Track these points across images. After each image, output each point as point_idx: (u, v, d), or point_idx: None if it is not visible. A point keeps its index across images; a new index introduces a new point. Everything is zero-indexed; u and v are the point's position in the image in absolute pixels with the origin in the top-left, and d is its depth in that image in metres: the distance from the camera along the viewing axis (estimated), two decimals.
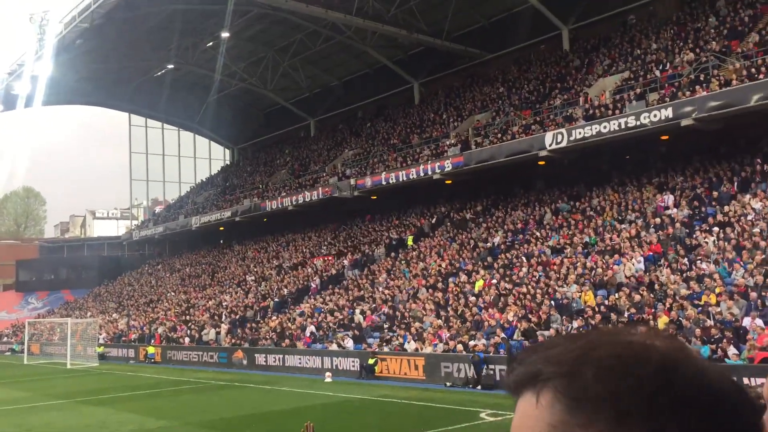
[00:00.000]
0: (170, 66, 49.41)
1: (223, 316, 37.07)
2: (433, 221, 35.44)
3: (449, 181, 33.48)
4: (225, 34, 42.07)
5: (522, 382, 0.70)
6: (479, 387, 20.44)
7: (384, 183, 35.36)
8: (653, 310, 19.49)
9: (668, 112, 24.15)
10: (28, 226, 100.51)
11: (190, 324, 38.05)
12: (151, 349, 36.50)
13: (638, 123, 24.90)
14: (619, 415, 0.63)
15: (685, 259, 21.31)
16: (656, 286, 20.72)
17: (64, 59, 43.60)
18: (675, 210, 24.29)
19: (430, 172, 32.83)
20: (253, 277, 41.83)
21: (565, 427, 0.65)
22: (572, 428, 0.65)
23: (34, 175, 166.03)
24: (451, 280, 27.85)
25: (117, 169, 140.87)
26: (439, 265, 29.70)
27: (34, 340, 46.89)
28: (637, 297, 20.22)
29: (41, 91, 47.11)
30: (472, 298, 25.38)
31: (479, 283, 26.22)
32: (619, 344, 0.67)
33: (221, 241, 53.06)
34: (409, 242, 34.39)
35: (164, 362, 35.31)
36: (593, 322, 19.81)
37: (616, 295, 20.97)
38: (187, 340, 36.09)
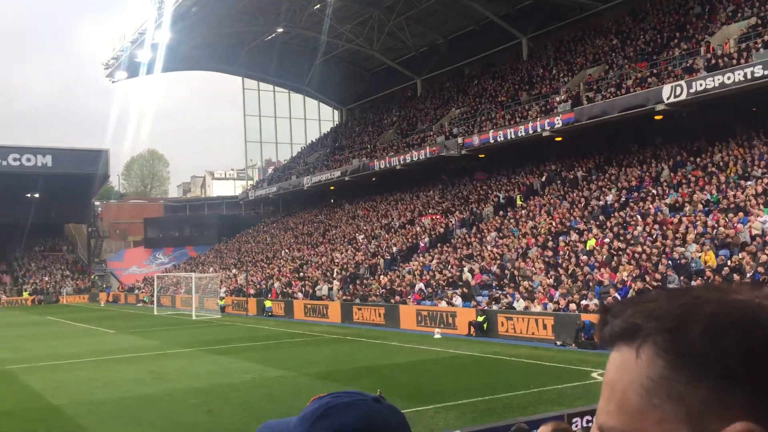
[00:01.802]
0: (280, 30, 50.49)
1: (335, 273, 38.24)
2: (543, 179, 34.81)
3: (559, 138, 32.68)
4: None
5: (619, 335, 0.70)
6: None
7: (492, 141, 34.98)
8: None
9: None
10: (153, 186, 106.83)
11: (305, 280, 39.52)
12: (268, 303, 38.25)
13: (766, 72, 23.29)
14: (727, 375, 0.63)
15: None
16: None
17: (180, 27, 45.47)
18: None
19: (539, 130, 32.16)
20: (363, 236, 42.76)
21: (667, 383, 0.65)
22: (674, 385, 0.65)
23: (157, 138, 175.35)
24: (561, 238, 27.42)
25: (233, 131, 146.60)
26: (549, 224, 29.26)
27: (163, 293, 50.18)
28: (764, 257, 19.21)
29: (161, 58, 49.43)
30: (584, 257, 24.91)
31: (591, 242, 25.68)
32: (726, 302, 0.67)
33: (332, 201, 54.40)
34: (518, 201, 34.00)
35: (281, 315, 36.94)
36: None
37: (740, 255, 20.00)
38: (300, 295, 37.55)
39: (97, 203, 72.47)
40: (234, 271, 50.04)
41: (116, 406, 14.12)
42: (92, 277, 65.83)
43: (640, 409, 0.66)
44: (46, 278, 63.46)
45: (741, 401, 0.63)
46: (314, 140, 64.35)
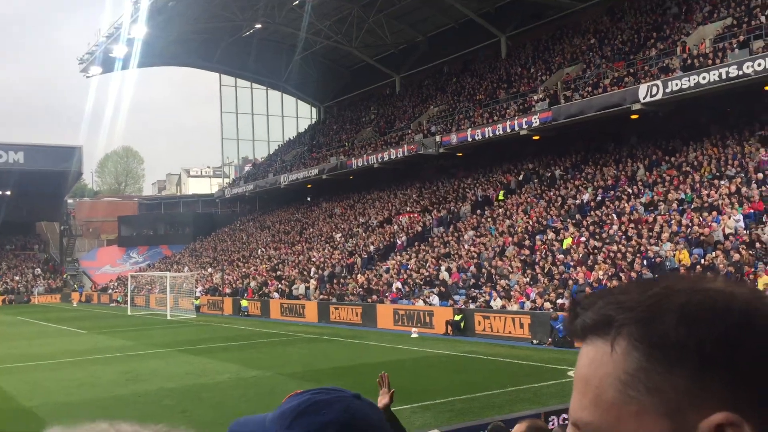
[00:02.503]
0: (258, 26, 50.14)
1: (312, 272, 38.04)
2: (520, 178, 34.92)
3: (537, 137, 32.80)
4: None
5: (591, 327, 0.69)
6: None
7: (470, 139, 35.02)
8: (753, 270, 18.69)
9: None
10: (128, 183, 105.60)
11: (282, 280, 39.27)
12: (244, 303, 37.96)
13: (741, 73, 23.55)
14: (703, 363, 0.62)
15: None
16: (757, 245, 19.81)
17: (157, 22, 44.94)
18: None
19: (517, 128, 32.25)
20: (340, 234, 42.61)
21: (643, 375, 0.63)
22: (650, 376, 0.63)
23: (132, 135, 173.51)
24: (538, 237, 27.51)
25: (209, 128, 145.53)
26: (527, 223, 29.35)
27: (136, 293, 49.61)
28: (736, 256, 19.42)
29: (136, 53, 48.83)
30: (560, 256, 25.02)
31: (567, 241, 25.79)
32: (698, 291, 0.66)
33: (309, 199, 54.15)
34: (500, 197, 33.99)
35: (257, 315, 36.66)
36: None
37: (713, 253, 20.20)
38: (276, 295, 37.30)
39: (70, 201, 71.45)
40: (210, 270, 49.63)
41: (90, 408, 13.85)
42: (64, 276, 64.88)
43: (616, 402, 0.65)
44: (17, 277, 62.42)
45: (719, 390, 0.62)
46: (292, 138, 64.01)
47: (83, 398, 14.96)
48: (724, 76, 24.10)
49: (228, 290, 42.32)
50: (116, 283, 58.59)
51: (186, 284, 42.54)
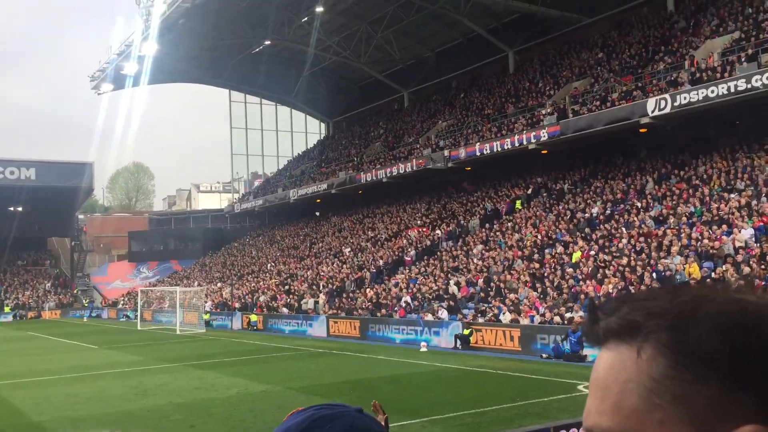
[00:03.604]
0: (267, 42, 50.51)
1: (321, 286, 38.04)
2: (529, 192, 34.89)
3: (545, 151, 32.81)
4: (319, 9, 42.56)
5: (615, 332, 0.67)
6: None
7: (478, 154, 35.06)
8: (764, 283, 18.54)
9: None
10: (138, 199, 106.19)
11: (291, 294, 39.27)
12: (253, 317, 37.95)
13: (749, 86, 23.52)
14: (733, 373, 0.61)
15: None
16: None
17: (167, 39, 45.37)
18: None
19: (525, 142, 32.27)
20: (349, 249, 42.61)
21: (670, 383, 0.62)
22: (678, 384, 0.62)
23: (143, 151, 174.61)
24: (547, 251, 27.43)
25: (219, 143, 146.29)
26: (535, 237, 29.29)
27: (146, 307, 49.72)
28: (747, 269, 19.29)
29: (147, 70, 49.28)
30: (569, 270, 24.93)
31: (576, 255, 25.70)
32: (730, 302, 0.65)
33: (318, 213, 54.24)
34: (518, 206, 33.92)
35: (265, 330, 36.65)
36: None
37: (723, 267, 20.07)
38: (285, 309, 37.27)
39: (81, 217, 71.88)
40: (219, 284, 49.70)
41: (99, 422, 13.87)
42: (75, 291, 65.14)
43: (639, 409, 0.63)
44: (28, 292, 62.73)
45: (749, 403, 0.61)
46: (301, 153, 64.27)
47: (91, 413, 14.97)
48: (732, 90, 24.07)
49: (237, 305, 42.35)
50: (126, 298, 58.75)
51: (195, 299, 42.59)
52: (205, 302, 43.26)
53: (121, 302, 58.54)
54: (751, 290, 0.68)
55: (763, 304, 0.65)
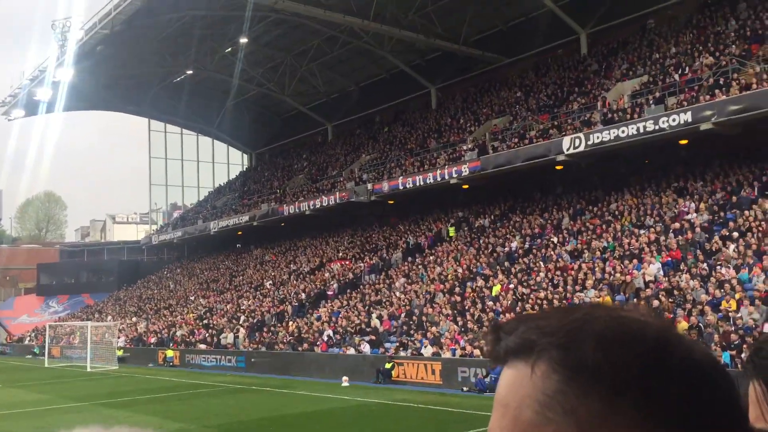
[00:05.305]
0: (189, 72, 49.83)
1: (241, 320, 37.23)
2: (450, 226, 35.38)
3: (466, 186, 33.43)
4: (243, 40, 42.38)
5: (513, 351, 0.70)
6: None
7: (401, 188, 35.39)
8: (672, 316, 19.32)
9: (687, 117, 23.98)
10: (49, 230, 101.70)
11: (210, 329, 38.25)
12: (169, 353, 36.72)
13: (657, 127, 24.74)
14: (617, 387, 0.64)
15: (705, 264, 21.12)
16: (675, 292, 20.55)
17: (84, 65, 44.11)
18: (695, 215, 24.08)
19: (447, 177, 32.81)
20: (270, 282, 41.99)
21: (561, 397, 0.65)
22: (568, 398, 0.65)
23: (55, 180, 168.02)
24: (468, 284, 27.79)
25: (137, 173, 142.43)
26: (456, 270, 29.65)
27: (55, 344, 47.34)
28: (656, 302, 20.06)
29: (62, 97, 47.69)
30: (490, 303, 25.31)
31: (496, 288, 26.15)
32: (615, 319, 0.68)
33: (239, 246, 53.33)
34: (451, 233, 34.22)
35: (182, 366, 35.50)
36: None
37: (635, 300, 20.81)
38: (202, 345, 36.25)
39: None
40: (134, 319, 47.95)
41: None
42: None
43: (534, 423, 0.66)
44: None
45: (631, 413, 0.64)
46: (222, 184, 63.28)
47: None
48: (641, 130, 25.26)
49: (153, 340, 40.91)
50: (33, 334, 55.81)
51: (108, 334, 40.88)
52: (119, 338, 41.59)
53: (28, 338, 55.57)
54: (636, 310, 0.71)
55: (645, 321, 0.69)
